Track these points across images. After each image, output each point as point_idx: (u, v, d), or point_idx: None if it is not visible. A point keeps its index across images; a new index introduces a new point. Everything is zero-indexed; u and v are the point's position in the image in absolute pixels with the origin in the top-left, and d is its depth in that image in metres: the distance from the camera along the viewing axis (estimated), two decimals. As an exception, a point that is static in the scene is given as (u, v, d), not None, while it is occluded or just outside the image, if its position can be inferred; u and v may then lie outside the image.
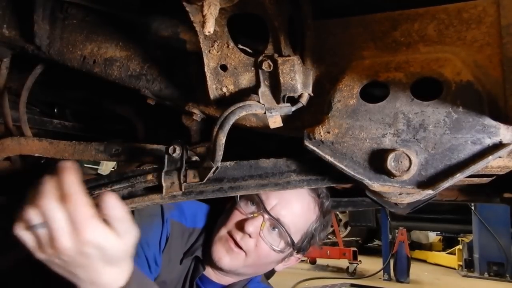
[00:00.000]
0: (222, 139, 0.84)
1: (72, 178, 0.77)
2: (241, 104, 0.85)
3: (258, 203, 1.29)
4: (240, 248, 1.25)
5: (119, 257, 0.82)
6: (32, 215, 0.76)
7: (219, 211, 1.39)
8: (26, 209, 0.77)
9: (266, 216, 1.26)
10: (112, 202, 0.79)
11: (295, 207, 1.30)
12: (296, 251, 1.35)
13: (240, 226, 1.26)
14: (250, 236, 1.25)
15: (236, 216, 1.30)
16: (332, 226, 7.48)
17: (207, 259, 1.33)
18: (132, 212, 1.29)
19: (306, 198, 1.34)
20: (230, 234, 1.28)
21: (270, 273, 2.71)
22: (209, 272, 1.36)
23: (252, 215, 1.27)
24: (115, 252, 0.80)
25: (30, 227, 0.76)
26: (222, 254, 1.26)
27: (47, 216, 0.75)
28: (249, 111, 0.86)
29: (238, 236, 1.26)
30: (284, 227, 1.27)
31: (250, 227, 1.24)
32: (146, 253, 1.25)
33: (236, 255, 1.25)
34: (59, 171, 0.77)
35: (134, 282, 0.86)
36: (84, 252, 0.76)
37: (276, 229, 1.28)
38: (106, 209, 0.78)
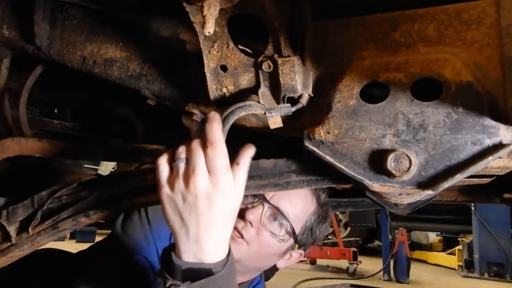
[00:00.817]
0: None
1: (218, 128, 0.82)
2: (241, 104, 0.86)
3: (257, 193, 1.30)
4: (242, 237, 1.26)
5: (232, 211, 0.84)
6: (181, 151, 0.83)
7: None
8: (177, 147, 0.84)
9: (266, 204, 1.28)
10: (249, 155, 0.86)
11: (293, 197, 1.32)
12: (297, 245, 1.36)
13: (241, 215, 1.26)
14: (251, 224, 1.26)
15: None
16: (332, 227, 7.49)
17: None
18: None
19: (303, 190, 1.35)
20: None
21: (271, 273, 2.71)
22: None
23: (252, 205, 1.28)
24: (231, 205, 0.83)
25: (173, 160, 0.83)
26: None
27: (194, 154, 0.81)
28: (249, 111, 0.86)
29: (239, 225, 1.27)
30: (284, 215, 1.29)
31: (251, 215, 1.25)
32: (157, 243, 1.26)
33: (239, 245, 1.26)
34: (208, 120, 0.83)
35: (230, 265, 0.85)
36: (212, 197, 0.80)
37: (277, 219, 1.30)
38: (244, 155, 0.85)
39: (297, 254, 1.42)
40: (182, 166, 0.82)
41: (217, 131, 0.82)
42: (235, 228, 1.26)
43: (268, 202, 1.28)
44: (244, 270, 1.35)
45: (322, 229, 1.42)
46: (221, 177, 0.80)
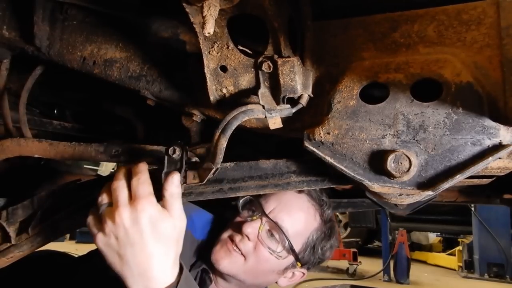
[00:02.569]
0: (223, 143, 0.84)
1: (142, 165, 0.89)
2: (243, 108, 0.85)
3: (256, 207, 1.28)
4: (239, 250, 1.25)
5: (168, 235, 0.86)
6: (100, 199, 0.88)
7: (226, 223, 1.38)
8: (100, 193, 0.89)
9: (265, 219, 1.26)
10: (175, 181, 0.88)
11: (295, 211, 1.29)
12: (299, 263, 1.31)
13: (239, 228, 1.26)
14: (248, 238, 1.24)
15: (236, 221, 1.31)
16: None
17: (214, 271, 1.31)
18: None
19: (306, 204, 1.32)
20: (230, 237, 1.28)
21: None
22: (216, 286, 1.35)
23: (251, 219, 1.27)
24: (165, 228, 0.85)
25: (97, 208, 0.88)
26: (220, 256, 1.25)
27: (115, 190, 0.85)
28: (251, 116, 0.86)
29: (237, 238, 1.25)
30: (283, 230, 1.25)
31: (248, 228, 1.23)
32: None
33: (235, 258, 1.24)
34: (133, 165, 0.90)
35: (185, 284, 0.88)
36: (139, 222, 0.82)
37: (276, 234, 1.27)
38: (167, 184, 0.88)
39: (299, 273, 1.37)
40: (105, 209, 0.86)
41: (142, 165, 0.89)
42: (233, 241, 1.25)
43: (266, 216, 1.26)
44: (241, 285, 1.33)
45: (327, 246, 1.37)
46: (144, 200, 0.84)
